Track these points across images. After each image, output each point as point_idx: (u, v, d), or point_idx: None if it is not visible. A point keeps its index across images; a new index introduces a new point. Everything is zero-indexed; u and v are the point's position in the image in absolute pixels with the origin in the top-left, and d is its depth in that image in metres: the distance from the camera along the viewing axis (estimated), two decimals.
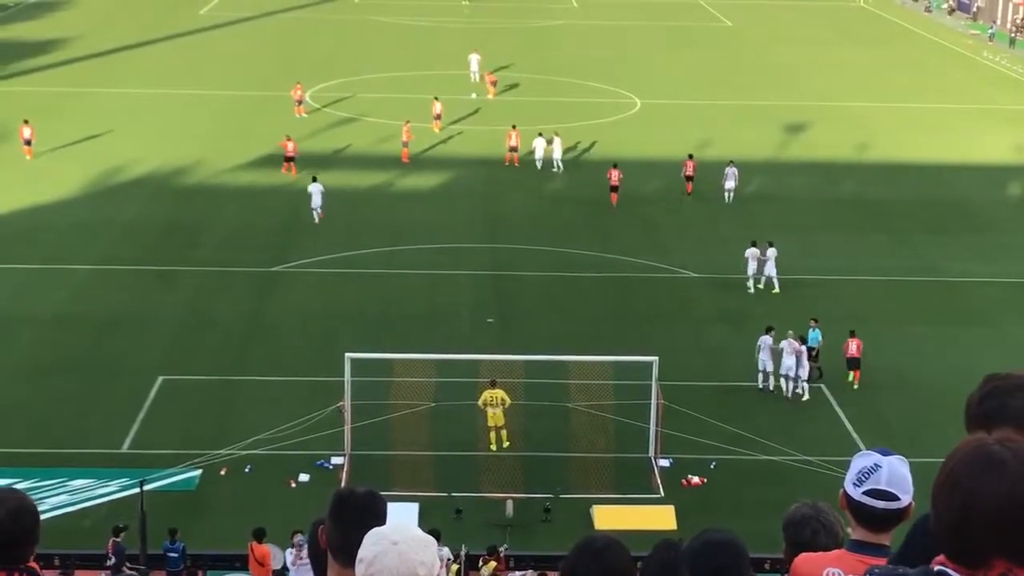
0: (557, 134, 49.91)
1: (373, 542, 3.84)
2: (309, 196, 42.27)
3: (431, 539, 3.92)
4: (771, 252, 37.22)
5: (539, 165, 49.05)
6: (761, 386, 31.06)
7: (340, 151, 50.77)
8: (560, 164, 49.11)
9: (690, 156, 46.63)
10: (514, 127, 49.85)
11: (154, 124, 53.55)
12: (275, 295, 36.24)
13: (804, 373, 30.62)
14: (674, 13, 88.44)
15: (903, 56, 74.16)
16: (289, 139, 47.79)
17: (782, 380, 30.90)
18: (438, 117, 53.36)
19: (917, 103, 61.67)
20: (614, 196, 44.45)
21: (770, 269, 37.14)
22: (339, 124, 54.86)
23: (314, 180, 42.73)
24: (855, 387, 31.73)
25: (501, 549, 23.10)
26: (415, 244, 40.17)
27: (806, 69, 69.33)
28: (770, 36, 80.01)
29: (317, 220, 41.98)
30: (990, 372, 3.95)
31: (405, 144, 49.05)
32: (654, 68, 68.38)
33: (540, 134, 49.75)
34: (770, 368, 30.94)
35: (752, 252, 37.23)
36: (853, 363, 31.86)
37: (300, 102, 55.72)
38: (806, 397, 30.74)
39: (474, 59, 64.33)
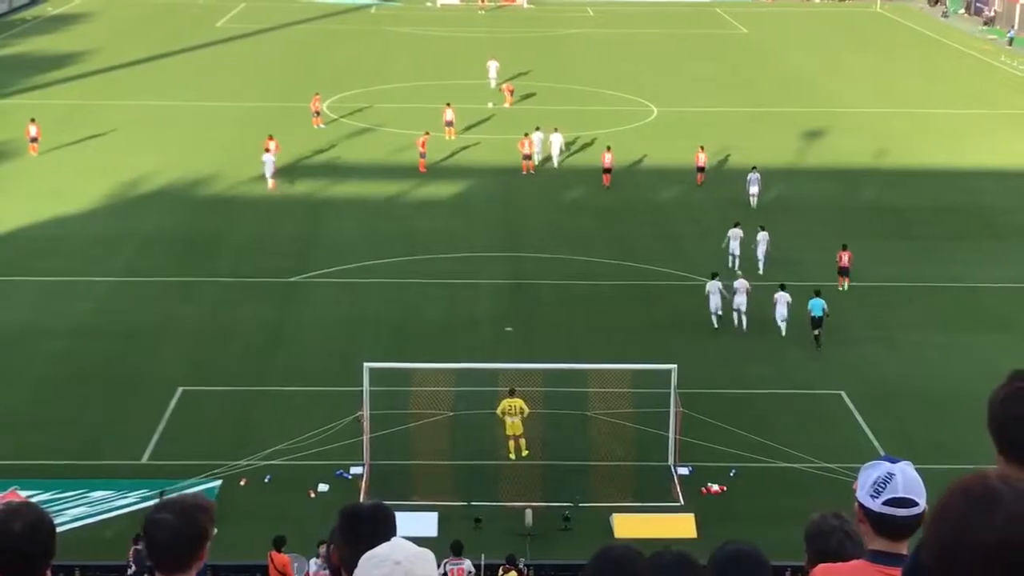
0: (556, 129, 51.10)
1: (375, 565, 3.81)
2: (263, 165, 46.72)
3: (428, 552, 3.92)
4: (762, 236, 39.05)
5: (537, 159, 49.91)
6: (716, 326, 34.59)
7: (358, 161, 50.87)
8: (556, 159, 50.18)
9: (701, 147, 48.55)
10: (527, 135, 50.24)
11: (173, 136, 53.77)
12: (294, 305, 36.32)
13: (783, 311, 34.22)
14: (690, 21, 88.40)
15: (920, 62, 73.96)
16: (271, 138, 48.65)
17: (734, 315, 34.59)
18: (450, 124, 53.49)
19: (935, 108, 61.49)
20: (607, 177, 47.15)
21: (760, 252, 38.83)
22: (356, 134, 54.98)
23: (267, 151, 47.20)
24: (844, 291, 37.20)
25: (520, 561, 23.04)
26: (433, 253, 40.21)
27: (823, 75, 69.19)
28: (786, 43, 79.90)
29: (271, 187, 46.48)
30: (1017, 369, 3.91)
31: (422, 155, 49.24)
32: (670, 76, 68.35)
33: (538, 128, 50.76)
34: (719, 310, 34.60)
35: (734, 232, 39.36)
36: (843, 272, 37.67)
37: (318, 113, 55.97)
38: (784, 334, 34.13)
39: (493, 66, 64.50)
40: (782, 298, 34.49)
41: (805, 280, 38.33)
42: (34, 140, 50.74)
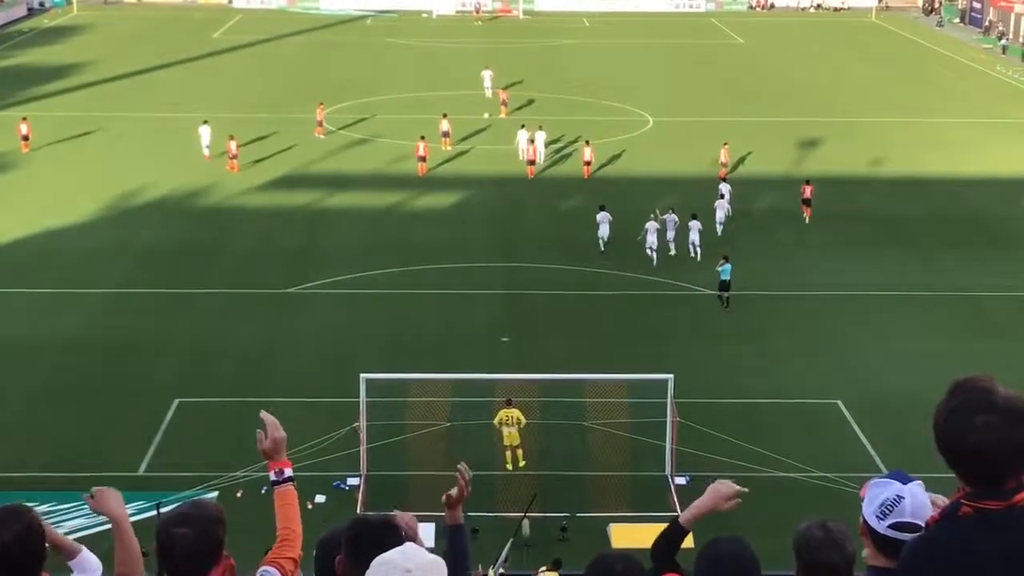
0: (541, 127, 52.25)
1: (385, 572, 3.75)
2: (200, 136, 51.41)
3: (440, 560, 3.87)
4: (693, 224, 41.18)
5: (521, 156, 50.94)
6: (602, 250, 40.80)
7: (354, 172, 50.87)
8: (542, 157, 51.24)
9: (725, 143, 50.22)
10: (531, 142, 50.98)
11: (168, 147, 53.76)
12: (290, 316, 36.27)
13: (696, 238, 40.31)
14: (686, 32, 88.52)
15: (916, 71, 74.08)
16: (232, 138, 50.35)
17: (670, 245, 40.49)
18: (446, 135, 53.69)
19: (931, 118, 61.55)
20: (587, 170, 49.95)
21: (693, 237, 41.11)
22: (353, 145, 55.00)
23: (204, 123, 52.08)
24: (807, 221, 43.93)
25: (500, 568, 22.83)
26: (429, 264, 40.18)
27: (819, 85, 69.28)
28: (782, 53, 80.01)
29: (207, 156, 51.08)
30: (959, 378, 3.84)
31: (423, 158, 49.91)
32: (666, 86, 68.41)
33: (523, 126, 51.31)
34: (605, 235, 40.95)
35: (722, 196, 43.63)
36: (806, 203, 44.36)
37: (321, 123, 56.18)
38: (699, 259, 39.77)
39: (487, 75, 64.70)
40: (694, 225, 40.50)
41: (804, 289, 38.38)
42: (25, 138, 52.49)
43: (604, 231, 40.98)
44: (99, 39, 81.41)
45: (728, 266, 36.71)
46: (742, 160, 51.94)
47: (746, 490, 5.81)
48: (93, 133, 56.35)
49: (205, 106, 61.57)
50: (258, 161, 51.77)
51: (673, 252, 40.59)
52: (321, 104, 57.49)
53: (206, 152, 51.39)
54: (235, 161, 50.18)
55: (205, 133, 51.67)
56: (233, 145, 50.17)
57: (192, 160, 51.66)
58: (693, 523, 5.78)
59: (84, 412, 30.15)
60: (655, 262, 39.85)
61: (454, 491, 6.31)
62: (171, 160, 51.70)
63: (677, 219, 40.94)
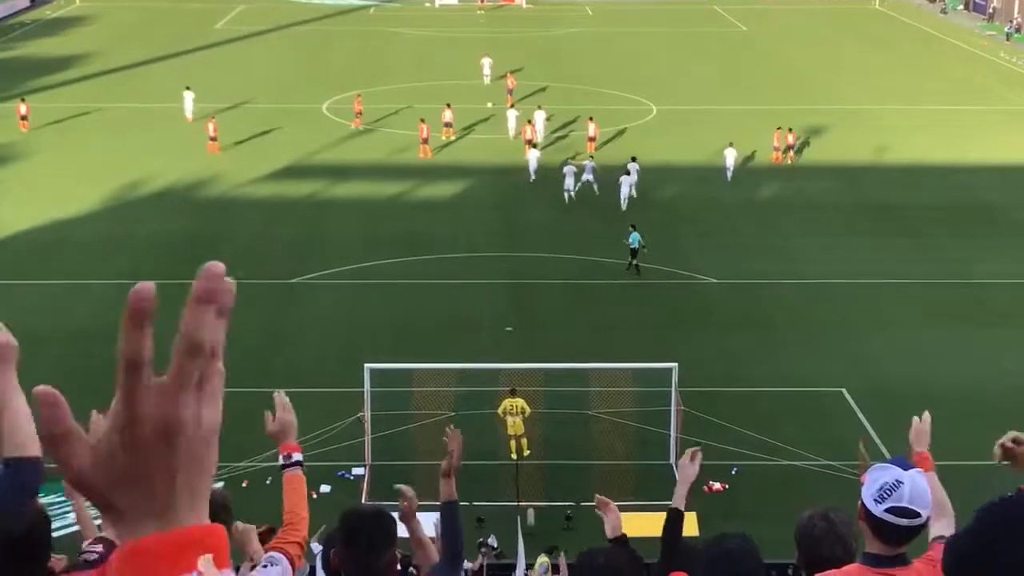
0: (540, 107, 52.98)
1: None
2: (183, 99, 55.42)
3: None
4: (632, 166, 45.06)
5: (511, 134, 51.85)
6: (532, 178, 46.75)
7: (357, 162, 50.86)
8: (540, 137, 51.65)
9: (778, 128, 51.31)
10: (529, 121, 51.58)
11: (171, 138, 53.77)
12: (294, 307, 36.29)
13: (630, 190, 44.34)
14: (689, 19, 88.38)
15: (920, 58, 73.93)
16: (212, 119, 51.99)
17: (624, 199, 43.96)
18: (449, 124, 53.62)
19: (935, 105, 61.44)
20: (590, 145, 50.90)
21: (627, 189, 44.51)
22: (356, 135, 54.96)
23: (187, 89, 55.89)
24: (789, 162, 49.85)
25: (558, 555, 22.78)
26: (433, 254, 40.18)
27: (823, 73, 69.16)
28: (786, 41, 79.86)
29: (190, 119, 54.89)
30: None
31: (425, 141, 50.34)
32: (670, 74, 68.33)
33: (512, 106, 51.67)
34: (533, 166, 46.68)
35: (569, 169, 45.88)
36: (788, 148, 50.29)
37: (359, 113, 55.95)
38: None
39: (487, 63, 64.61)
40: (626, 180, 44.03)
41: (805, 277, 38.35)
42: (24, 118, 53.89)
43: (533, 167, 46.27)
44: (101, 30, 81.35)
45: (636, 235, 38.32)
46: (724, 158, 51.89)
47: (698, 448, 6.34)
48: (96, 124, 56.34)
49: (208, 96, 61.55)
50: (241, 142, 51.79)
51: (574, 198, 44.61)
52: (359, 95, 57.34)
53: (189, 116, 54.91)
54: (214, 143, 50.80)
55: (188, 99, 55.25)
56: (211, 126, 50.75)
57: (195, 150, 51.65)
58: (685, 502, 6.29)
59: (90, 404, 29.91)
60: (567, 201, 44.51)
61: (448, 459, 6.50)
62: (174, 151, 51.69)
63: (592, 175, 44.94)
